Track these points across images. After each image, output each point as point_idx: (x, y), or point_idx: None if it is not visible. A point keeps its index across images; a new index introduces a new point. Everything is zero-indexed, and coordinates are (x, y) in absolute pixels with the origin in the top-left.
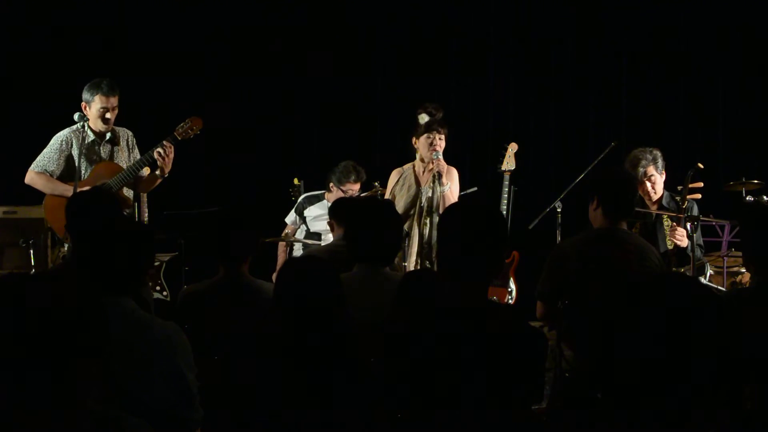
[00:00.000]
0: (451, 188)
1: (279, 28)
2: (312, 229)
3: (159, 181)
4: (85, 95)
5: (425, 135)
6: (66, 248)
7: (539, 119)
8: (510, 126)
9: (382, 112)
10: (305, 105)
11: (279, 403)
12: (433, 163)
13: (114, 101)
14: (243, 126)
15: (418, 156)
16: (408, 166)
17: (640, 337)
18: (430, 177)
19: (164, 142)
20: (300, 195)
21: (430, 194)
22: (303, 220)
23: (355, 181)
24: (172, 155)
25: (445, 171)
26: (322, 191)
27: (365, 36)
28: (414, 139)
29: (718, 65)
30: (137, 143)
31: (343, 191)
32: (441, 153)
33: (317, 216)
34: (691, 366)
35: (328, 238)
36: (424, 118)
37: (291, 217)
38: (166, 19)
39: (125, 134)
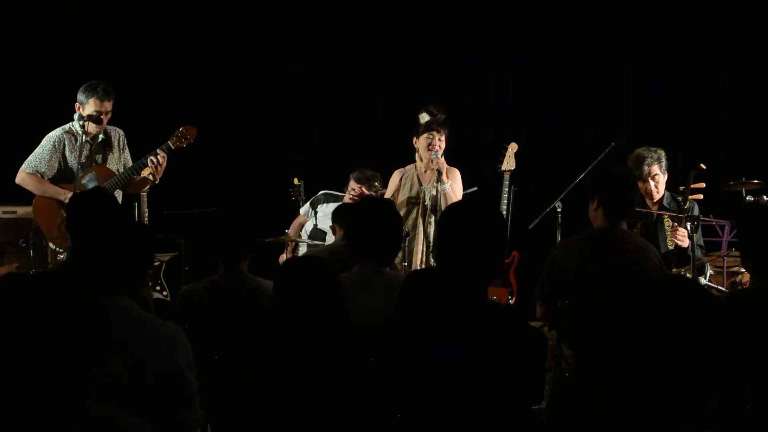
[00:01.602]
0: (453, 188)
1: (279, 28)
2: (319, 225)
3: (149, 185)
4: (80, 96)
5: (425, 135)
6: (55, 248)
7: (539, 119)
8: (510, 126)
9: (382, 113)
10: (305, 105)
11: (279, 403)
12: (432, 162)
13: (108, 106)
14: (243, 126)
15: (417, 156)
16: (410, 166)
17: (640, 337)
18: (433, 176)
19: (158, 151)
20: (300, 195)
21: (434, 193)
22: (315, 213)
23: (357, 181)
24: (164, 164)
25: (444, 169)
26: (343, 194)
27: (365, 35)
28: (414, 139)
29: (718, 65)
30: (131, 143)
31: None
32: (441, 153)
33: (326, 214)
34: (690, 366)
35: (332, 238)
36: (424, 118)
37: (305, 208)
38: (167, 18)
39: (116, 134)
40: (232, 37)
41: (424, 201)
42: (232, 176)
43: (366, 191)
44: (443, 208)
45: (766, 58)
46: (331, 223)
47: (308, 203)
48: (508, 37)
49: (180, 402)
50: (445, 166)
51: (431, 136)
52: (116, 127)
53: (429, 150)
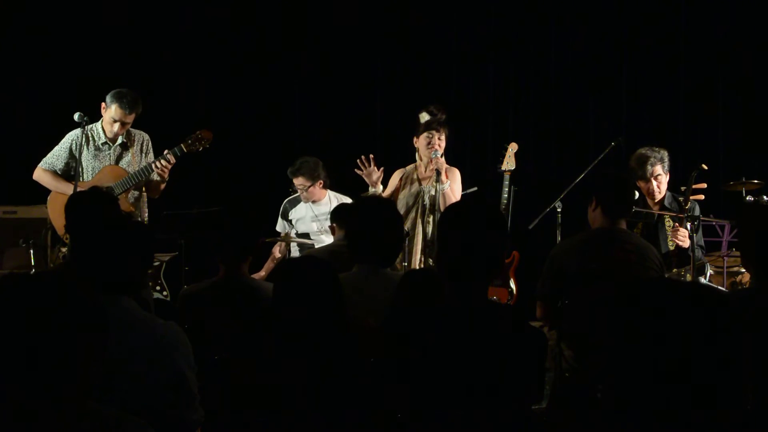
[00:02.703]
0: (452, 187)
1: (280, 28)
2: (300, 230)
3: (163, 186)
4: (107, 99)
5: (424, 134)
6: (66, 249)
7: (539, 119)
8: (510, 126)
9: (382, 113)
10: (305, 105)
11: (278, 403)
12: (432, 161)
13: (129, 117)
14: (243, 126)
15: (417, 156)
16: (410, 166)
17: (640, 337)
18: (433, 175)
19: (167, 154)
20: None
21: (433, 192)
22: (290, 223)
23: (291, 174)
24: (170, 167)
25: (444, 169)
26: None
27: (365, 35)
28: (415, 139)
29: (718, 65)
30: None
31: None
32: (440, 152)
33: (300, 218)
34: (691, 366)
35: (320, 238)
36: (424, 117)
37: (280, 225)
38: (169, 19)
39: (141, 138)
40: (232, 37)
41: (423, 201)
42: (232, 177)
43: (306, 182)
44: (442, 207)
45: (766, 58)
46: (307, 225)
47: (279, 219)
48: (509, 37)
49: (180, 402)
50: (445, 165)
51: (431, 136)
52: (141, 131)
53: (428, 149)
